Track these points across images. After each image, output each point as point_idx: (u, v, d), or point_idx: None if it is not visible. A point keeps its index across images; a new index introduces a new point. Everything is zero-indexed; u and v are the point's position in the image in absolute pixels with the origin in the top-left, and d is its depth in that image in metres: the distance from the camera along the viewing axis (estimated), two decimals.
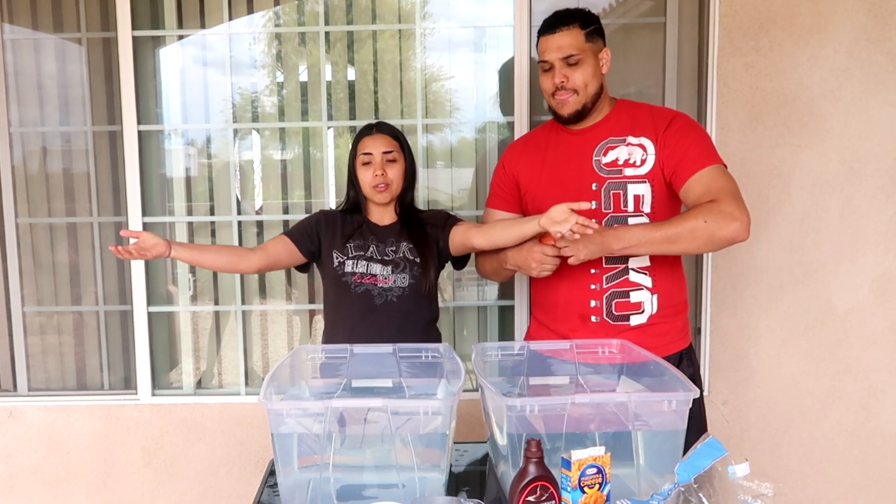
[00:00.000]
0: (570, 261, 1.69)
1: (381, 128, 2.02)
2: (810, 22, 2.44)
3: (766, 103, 2.47)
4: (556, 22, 1.79)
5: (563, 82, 1.78)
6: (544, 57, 1.81)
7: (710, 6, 2.48)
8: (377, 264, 1.95)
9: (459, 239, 1.95)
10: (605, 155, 1.81)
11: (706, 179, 1.71)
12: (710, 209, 1.64)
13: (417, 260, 1.96)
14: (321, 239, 1.99)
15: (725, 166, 1.77)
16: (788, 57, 2.45)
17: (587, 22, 1.79)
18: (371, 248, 1.97)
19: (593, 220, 1.60)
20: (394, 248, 1.98)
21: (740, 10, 2.45)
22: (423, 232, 1.99)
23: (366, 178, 1.96)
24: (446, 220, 2.00)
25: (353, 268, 1.95)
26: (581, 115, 1.82)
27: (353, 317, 1.96)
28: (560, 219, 1.59)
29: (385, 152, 1.96)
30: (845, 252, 2.53)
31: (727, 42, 2.46)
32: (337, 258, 1.96)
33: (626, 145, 1.80)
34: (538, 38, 1.83)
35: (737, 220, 1.63)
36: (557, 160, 1.86)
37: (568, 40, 1.77)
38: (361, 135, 2.01)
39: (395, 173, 1.97)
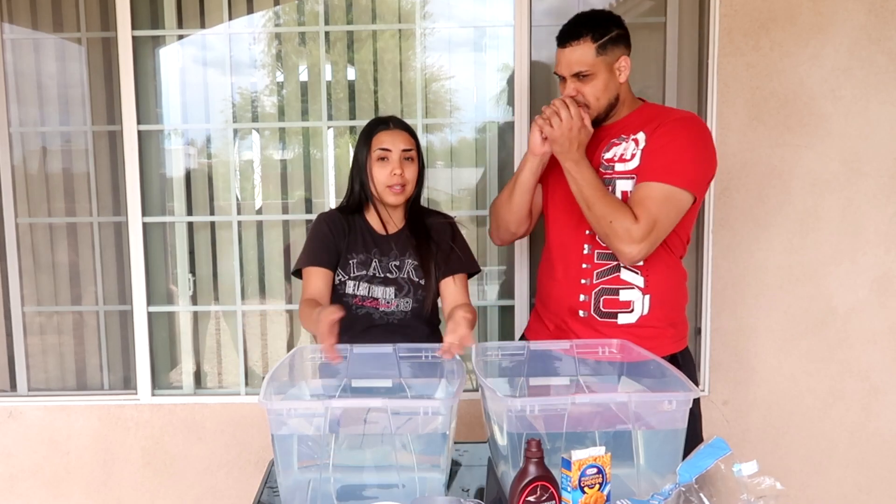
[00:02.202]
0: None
1: (397, 123, 1.89)
2: (810, 22, 2.44)
3: (766, 103, 2.47)
4: (568, 35, 1.75)
5: (573, 96, 1.76)
6: (556, 70, 1.80)
7: (710, 6, 2.48)
8: (379, 287, 1.86)
9: (444, 290, 1.90)
10: (607, 151, 1.81)
11: (646, 194, 1.70)
12: (626, 221, 1.67)
13: (422, 282, 1.87)
14: (336, 243, 1.88)
15: (687, 188, 1.71)
16: (788, 57, 2.45)
17: (601, 33, 1.73)
18: (373, 264, 1.87)
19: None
20: (397, 264, 1.88)
21: (740, 10, 2.44)
22: (429, 246, 1.90)
23: (381, 175, 1.84)
24: (447, 260, 1.90)
25: (353, 290, 1.86)
26: (595, 123, 1.80)
27: (353, 332, 1.86)
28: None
29: (404, 150, 1.85)
30: (845, 252, 2.53)
31: (727, 42, 2.46)
32: (339, 276, 1.87)
33: (626, 141, 1.79)
34: (557, 46, 1.80)
35: (631, 246, 1.68)
36: None
37: (577, 56, 1.74)
38: (376, 129, 1.88)
39: (411, 174, 1.86)
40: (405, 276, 1.88)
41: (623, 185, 1.76)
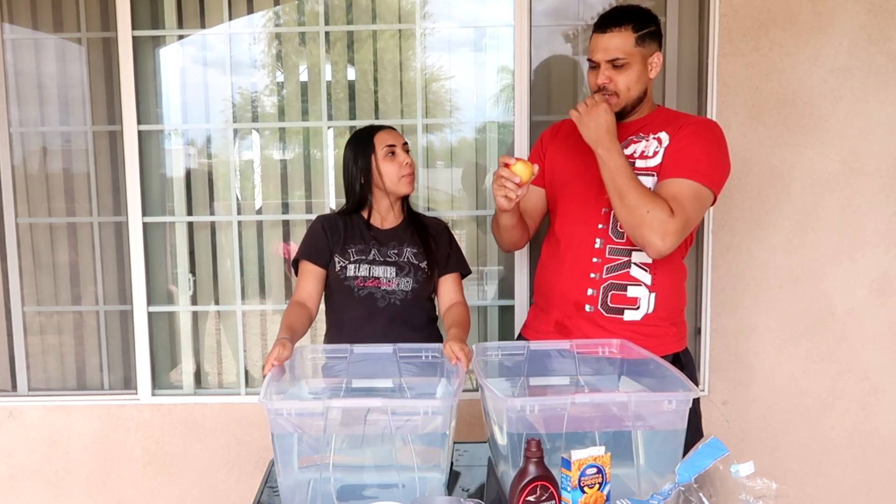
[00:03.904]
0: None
1: (386, 126, 2.03)
2: (810, 22, 2.44)
3: (766, 103, 2.47)
4: (609, 21, 1.77)
5: (605, 83, 1.78)
6: (592, 56, 1.80)
7: (710, 6, 2.48)
8: (379, 266, 1.94)
9: (441, 288, 2.00)
10: (626, 148, 1.81)
11: (677, 190, 1.71)
12: (662, 213, 1.67)
13: (423, 265, 1.96)
14: (330, 243, 1.97)
15: (710, 187, 1.74)
16: (788, 57, 2.45)
17: (641, 24, 1.77)
18: (373, 252, 1.95)
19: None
20: (396, 252, 1.97)
21: (740, 10, 2.45)
22: (427, 239, 1.99)
23: (392, 169, 1.94)
24: (447, 260, 2.01)
25: (355, 272, 1.93)
26: (619, 116, 1.81)
27: (356, 320, 1.95)
28: None
29: (404, 144, 1.99)
30: (845, 252, 2.53)
31: (727, 42, 2.46)
32: (339, 262, 1.94)
33: (646, 140, 1.80)
34: (592, 32, 1.82)
35: (664, 239, 1.67)
36: (584, 149, 1.85)
37: (616, 42, 1.75)
38: (373, 131, 1.99)
39: (412, 160, 1.99)
40: (405, 259, 1.96)
41: (643, 182, 1.76)
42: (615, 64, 1.76)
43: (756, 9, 2.44)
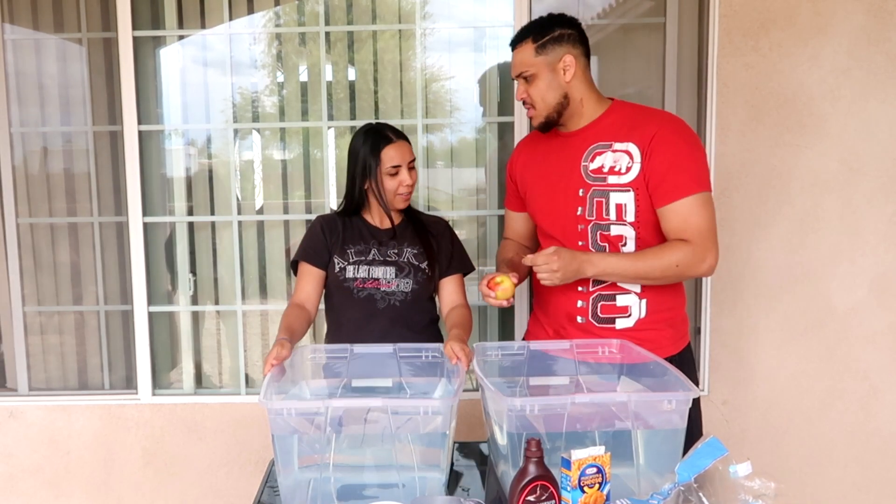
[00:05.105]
0: (543, 282, 1.70)
1: (398, 134, 1.96)
2: (810, 22, 2.44)
3: (765, 103, 2.47)
4: (514, 39, 1.80)
5: (523, 97, 1.80)
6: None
7: (709, 6, 2.48)
8: (379, 267, 1.93)
9: (443, 290, 1.99)
10: (592, 161, 1.77)
11: (685, 212, 1.70)
12: (685, 252, 1.68)
13: (423, 266, 1.95)
14: (328, 244, 1.96)
15: (709, 189, 1.73)
16: (788, 57, 2.46)
17: (540, 34, 1.75)
18: (372, 252, 1.94)
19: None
20: (396, 251, 1.96)
21: (740, 11, 2.45)
22: (427, 239, 1.98)
23: (392, 185, 1.92)
24: (450, 261, 2.00)
25: (354, 273, 1.92)
26: (549, 125, 1.80)
27: (356, 321, 1.94)
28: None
29: (411, 161, 1.95)
30: (845, 252, 2.53)
31: (727, 42, 2.46)
32: (338, 264, 1.94)
33: (612, 151, 1.75)
34: None
35: (706, 261, 1.70)
36: (549, 163, 1.85)
37: (518, 58, 1.78)
38: (383, 143, 1.93)
39: (414, 178, 1.97)
40: (405, 259, 1.95)
41: (618, 198, 1.73)
42: (524, 77, 1.78)
43: (756, 9, 2.44)
